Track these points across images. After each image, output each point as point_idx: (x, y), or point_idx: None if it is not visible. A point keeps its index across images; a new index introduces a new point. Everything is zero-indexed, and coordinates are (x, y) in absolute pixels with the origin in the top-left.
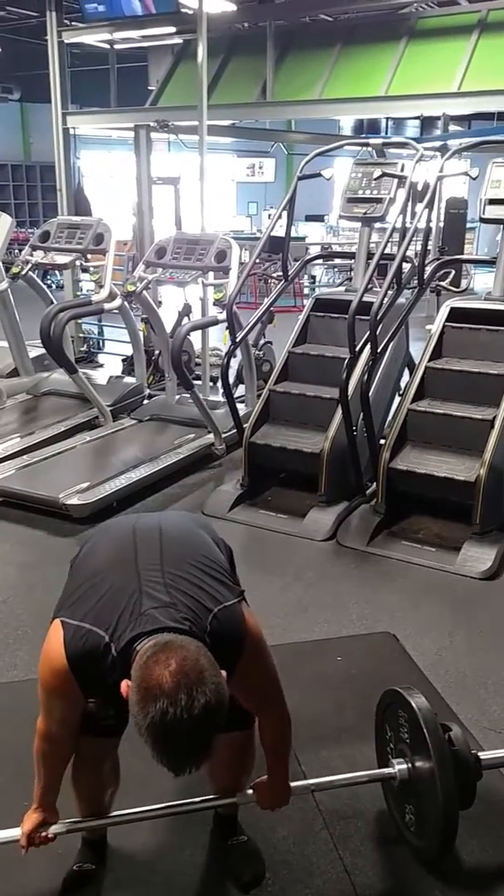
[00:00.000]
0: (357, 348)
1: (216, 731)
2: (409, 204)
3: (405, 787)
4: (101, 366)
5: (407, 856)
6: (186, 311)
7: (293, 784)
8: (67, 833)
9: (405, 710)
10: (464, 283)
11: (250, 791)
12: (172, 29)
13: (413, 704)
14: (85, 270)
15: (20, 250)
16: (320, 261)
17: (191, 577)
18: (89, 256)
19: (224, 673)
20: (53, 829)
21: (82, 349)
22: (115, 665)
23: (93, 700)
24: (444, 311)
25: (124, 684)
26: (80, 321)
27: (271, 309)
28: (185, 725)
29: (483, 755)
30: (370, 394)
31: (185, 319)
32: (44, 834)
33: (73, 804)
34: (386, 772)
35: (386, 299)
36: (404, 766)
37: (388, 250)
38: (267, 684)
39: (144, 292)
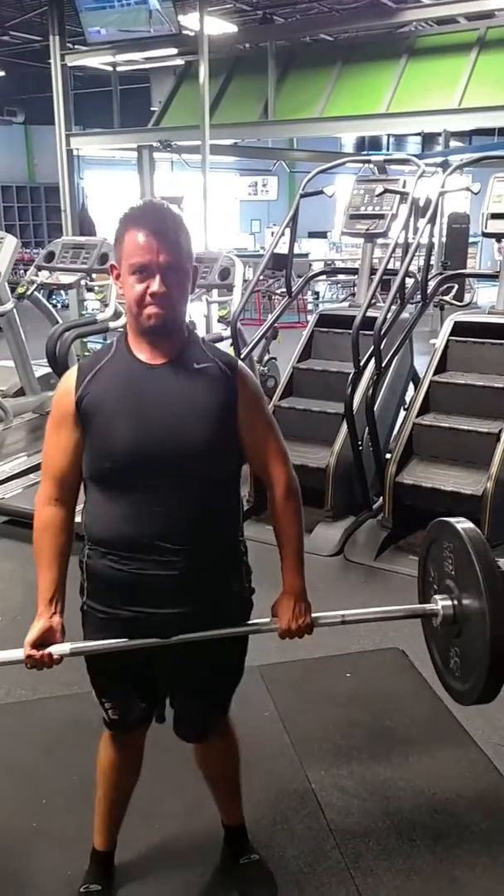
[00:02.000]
0: (361, 363)
1: (183, 225)
2: (412, 219)
3: (449, 626)
4: None
5: (420, 875)
6: (191, 328)
7: (323, 614)
8: (72, 655)
9: (452, 540)
10: (467, 298)
11: (269, 619)
12: (174, 50)
13: (461, 532)
14: (90, 290)
15: (25, 270)
16: (324, 277)
17: None
18: (94, 276)
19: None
20: (58, 649)
21: None
22: (111, 347)
23: (115, 702)
24: (447, 326)
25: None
26: (85, 340)
27: (275, 325)
28: (152, 202)
29: None
30: (375, 408)
31: None
32: (48, 652)
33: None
34: (428, 608)
35: (389, 314)
36: (448, 602)
37: (390, 266)
38: (271, 429)
39: None
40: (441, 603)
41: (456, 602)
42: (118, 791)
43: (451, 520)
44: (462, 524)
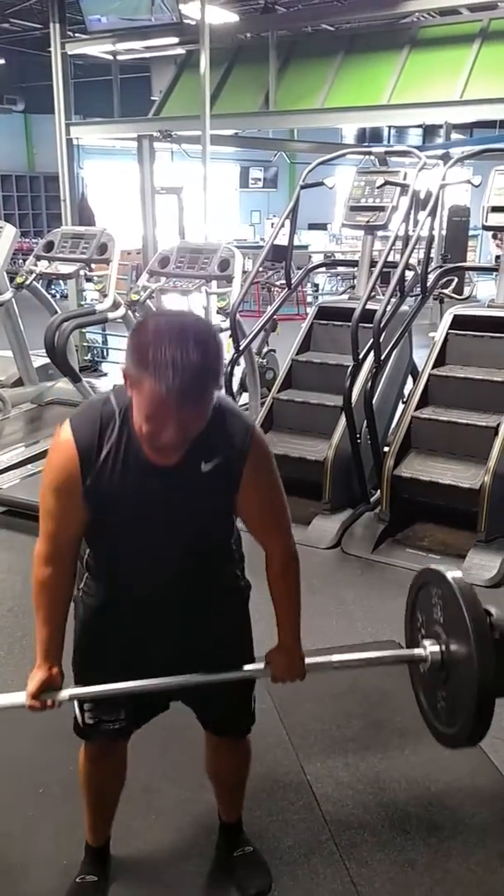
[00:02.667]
0: (360, 356)
1: (212, 354)
2: (412, 212)
3: (437, 671)
4: (105, 375)
5: (414, 866)
6: None
7: (315, 659)
8: (70, 700)
9: (440, 586)
10: (467, 291)
11: (262, 665)
12: (175, 39)
13: (449, 579)
14: (89, 280)
15: (24, 260)
16: (323, 269)
17: None
18: (93, 266)
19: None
20: (57, 696)
21: (87, 358)
22: (114, 425)
23: (98, 706)
24: (447, 319)
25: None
26: (84, 330)
27: (274, 317)
28: (175, 329)
29: None
30: (374, 401)
31: None
32: (49, 702)
33: (79, 817)
34: (416, 653)
35: (389, 307)
36: (436, 647)
37: (390, 258)
38: (277, 494)
39: (148, 301)
40: (430, 648)
41: (444, 647)
42: (102, 799)
43: (441, 567)
44: (451, 572)
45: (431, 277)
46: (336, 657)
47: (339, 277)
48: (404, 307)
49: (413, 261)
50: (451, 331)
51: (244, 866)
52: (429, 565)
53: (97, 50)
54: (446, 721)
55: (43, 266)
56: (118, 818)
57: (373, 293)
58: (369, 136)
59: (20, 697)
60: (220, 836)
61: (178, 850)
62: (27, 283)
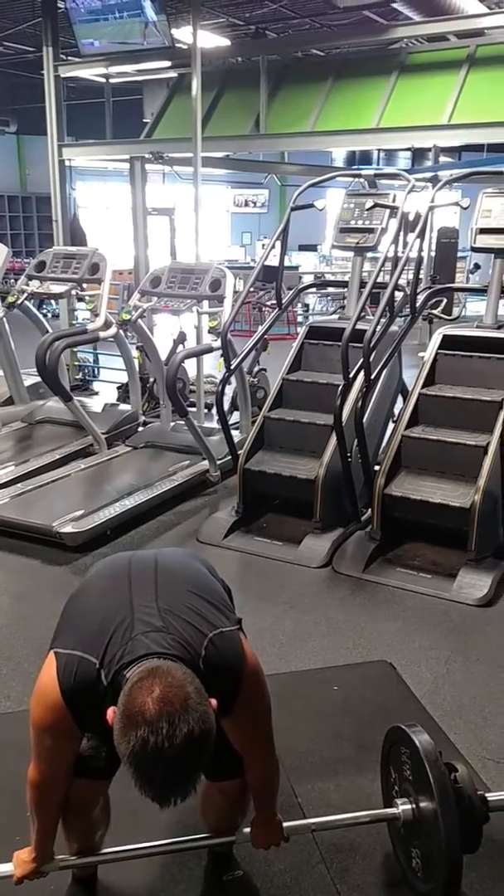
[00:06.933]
0: (351, 375)
1: (201, 761)
2: (401, 233)
3: (410, 829)
4: (97, 393)
5: (407, 890)
6: (181, 338)
7: (293, 823)
8: (60, 870)
9: (408, 747)
10: (456, 311)
11: (247, 829)
12: (167, 63)
13: (416, 741)
14: (80, 300)
15: (16, 280)
16: (314, 289)
17: (186, 602)
18: (85, 286)
19: (214, 702)
20: (49, 867)
21: (77, 377)
22: (106, 694)
23: (87, 737)
24: (436, 339)
25: (110, 711)
26: (75, 349)
27: (265, 336)
28: (167, 755)
29: (490, 796)
30: (364, 420)
31: (180, 347)
32: (40, 875)
33: (62, 842)
34: (389, 812)
35: (379, 327)
36: (408, 806)
37: (380, 279)
38: (262, 728)
39: (139, 321)
40: (402, 807)
41: (414, 805)
42: (90, 844)
43: (406, 728)
44: (416, 734)
45: (420, 298)
46: (314, 820)
47: (329, 298)
48: (394, 327)
49: (402, 282)
50: (440, 351)
51: (233, 891)
52: (397, 725)
53: (90, 73)
54: (423, 877)
55: (35, 286)
56: (107, 841)
57: (363, 313)
58: (359, 159)
59: (8, 868)
60: (209, 860)
61: (167, 874)
62: (19, 302)
